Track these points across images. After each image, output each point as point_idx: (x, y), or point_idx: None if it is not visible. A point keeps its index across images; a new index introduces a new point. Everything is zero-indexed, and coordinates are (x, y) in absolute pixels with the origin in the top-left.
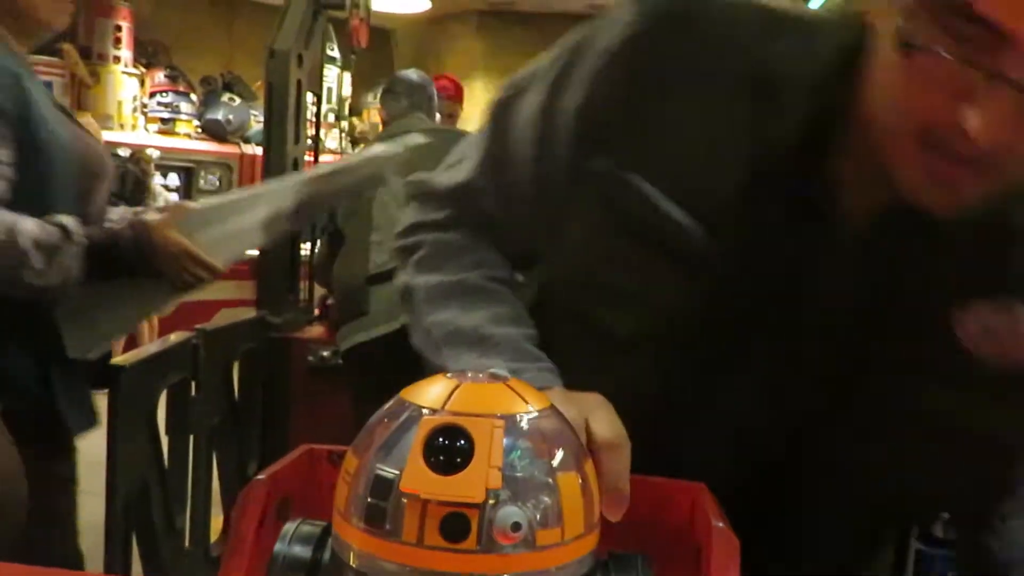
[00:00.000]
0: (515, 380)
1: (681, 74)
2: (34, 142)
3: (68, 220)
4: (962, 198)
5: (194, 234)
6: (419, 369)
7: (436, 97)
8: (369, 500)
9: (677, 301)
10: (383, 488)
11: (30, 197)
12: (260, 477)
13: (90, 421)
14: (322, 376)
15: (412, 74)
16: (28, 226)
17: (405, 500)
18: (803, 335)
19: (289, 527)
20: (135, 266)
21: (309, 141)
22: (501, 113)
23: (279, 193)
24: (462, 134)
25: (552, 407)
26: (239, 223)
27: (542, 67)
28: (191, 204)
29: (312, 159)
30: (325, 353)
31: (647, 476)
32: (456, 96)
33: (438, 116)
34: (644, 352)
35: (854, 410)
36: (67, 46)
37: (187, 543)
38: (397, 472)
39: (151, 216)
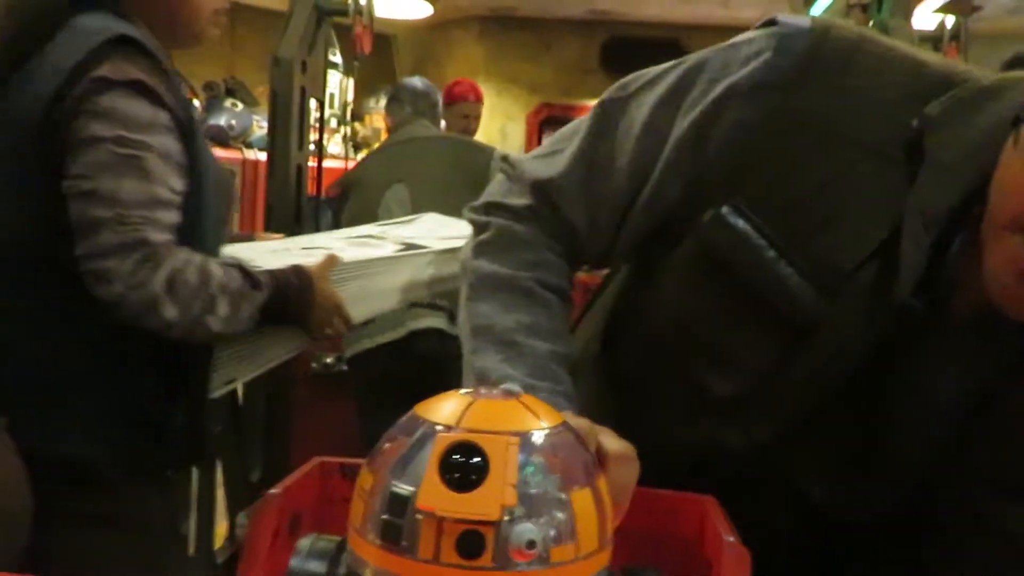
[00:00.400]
0: (528, 396)
1: (818, 127)
2: (196, 170)
3: (254, 266)
4: None
5: (338, 285)
6: (424, 376)
7: (440, 104)
8: (385, 517)
9: (778, 369)
10: (399, 505)
11: (187, 228)
12: (273, 492)
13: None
14: (326, 383)
15: (416, 81)
16: (216, 269)
17: (421, 517)
18: (891, 422)
19: (304, 542)
20: (295, 316)
21: (312, 146)
22: (607, 114)
23: (421, 261)
24: (468, 142)
25: (565, 423)
26: (380, 283)
27: (657, 76)
28: (342, 256)
29: (316, 164)
30: (329, 360)
31: (655, 489)
32: (476, 98)
33: (443, 123)
34: (735, 415)
35: (933, 515)
36: None
37: (191, 550)
38: (413, 489)
39: (308, 263)
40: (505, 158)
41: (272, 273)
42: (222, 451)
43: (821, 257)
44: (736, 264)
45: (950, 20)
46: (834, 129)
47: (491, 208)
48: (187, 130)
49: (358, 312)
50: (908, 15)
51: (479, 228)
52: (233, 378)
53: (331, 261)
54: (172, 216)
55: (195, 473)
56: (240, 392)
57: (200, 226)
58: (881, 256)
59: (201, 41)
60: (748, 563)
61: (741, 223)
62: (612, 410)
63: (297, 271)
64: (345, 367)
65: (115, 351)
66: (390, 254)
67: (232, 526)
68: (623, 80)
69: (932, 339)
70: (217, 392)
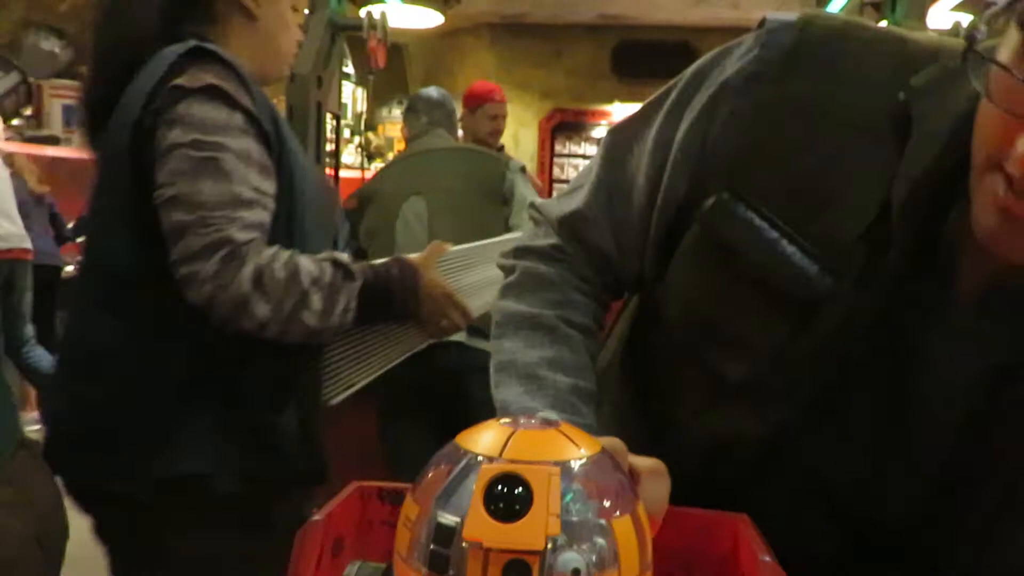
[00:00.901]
0: (567, 425)
1: (810, 112)
2: (289, 176)
3: (344, 257)
4: None
5: (448, 276)
6: (443, 387)
7: (456, 113)
8: (432, 547)
9: (788, 349)
10: (445, 535)
11: (281, 234)
12: (316, 519)
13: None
14: None
15: (432, 92)
16: (305, 263)
17: (467, 547)
18: (908, 404)
19: (351, 570)
20: (402, 309)
21: (328, 159)
22: (617, 141)
23: None
24: (483, 153)
25: (604, 451)
26: (493, 270)
27: (662, 94)
28: (448, 245)
29: (332, 175)
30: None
31: (687, 508)
32: (500, 97)
33: (460, 132)
34: (750, 399)
35: (962, 504)
36: (85, 69)
37: None
38: (459, 520)
39: (413, 255)
40: (532, 204)
41: (370, 265)
42: None
43: (823, 235)
44: (740, 247)
45: (964, 20)
46: (827, 113)
47: (520, 252)
48: (271, 134)
49: (476, 302)
50: (922, 15)
51: (506, 271)
52: (352, 383)
53: (436, 249)
54: (257, 215)
55: None
56: None
57: (295, 229)
58: (879, 229)
59: (282, 77)
60: None
61: (742, 208)
62: (638, 413)
63: (399, 262)
64: None
65: (223, 361)
66: (502, 238)
67: None
68: (632, 111)
69: (942, 317)
70: (335, 398)
